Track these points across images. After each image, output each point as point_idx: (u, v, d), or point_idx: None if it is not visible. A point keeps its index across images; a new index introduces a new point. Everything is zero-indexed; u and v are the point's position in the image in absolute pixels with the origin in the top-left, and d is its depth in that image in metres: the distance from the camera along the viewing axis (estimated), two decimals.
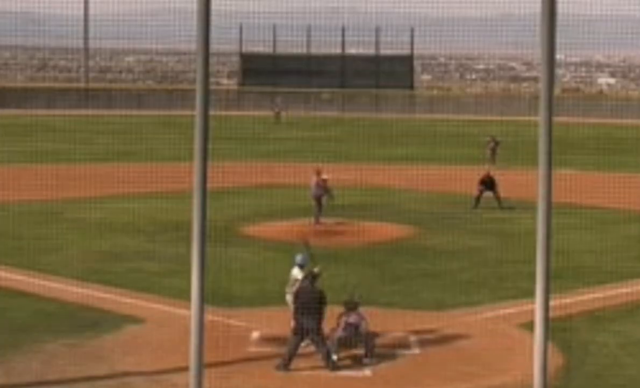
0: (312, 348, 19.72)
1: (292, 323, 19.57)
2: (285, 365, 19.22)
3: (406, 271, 28.30)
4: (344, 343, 20.00)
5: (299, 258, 20.94)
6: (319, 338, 19.42)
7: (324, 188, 35.78)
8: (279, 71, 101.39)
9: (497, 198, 40.04)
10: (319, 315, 19.36)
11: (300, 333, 19.40)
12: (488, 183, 40.45)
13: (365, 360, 19.89)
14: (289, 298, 20.76)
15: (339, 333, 19.96)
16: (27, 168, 49.64)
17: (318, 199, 35.63)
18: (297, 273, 20.76)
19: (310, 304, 19.35)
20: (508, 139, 56.71)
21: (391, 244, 32.53)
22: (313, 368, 19.39)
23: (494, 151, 55.98)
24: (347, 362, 19.78)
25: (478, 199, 40.09)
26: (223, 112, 68.95)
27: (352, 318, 20.06)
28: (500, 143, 56.45)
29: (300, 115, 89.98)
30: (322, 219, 35.44)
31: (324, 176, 36.13)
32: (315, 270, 20.06)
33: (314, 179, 35.91)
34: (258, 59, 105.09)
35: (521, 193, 36.35)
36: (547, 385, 11.52)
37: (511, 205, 39.25)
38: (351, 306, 20.24)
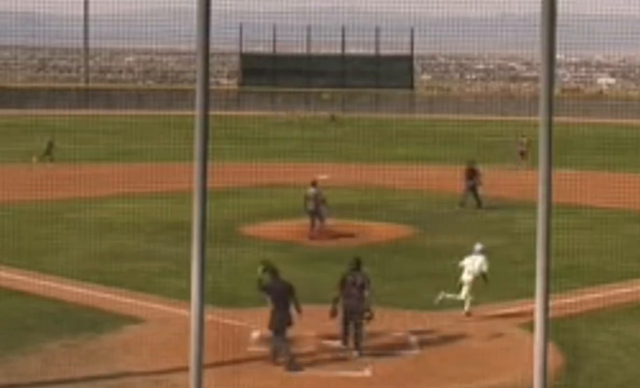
0: (310, 348, 19.75)
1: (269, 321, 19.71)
2: (295, 364, 19.26)
3: (406, 271, 28.28)
4: (350, 315, 20.18)
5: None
6: (284, 334, 19.58)
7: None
8: (279, 71, 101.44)
9: (476, 194, 39.84)
10: (289, 306, 19.63)
11: (278, 329, 19.53)
12: (472, 176, 40.23)
13: (354, 354, 20.06)
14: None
15: (343, 299, 20.21)
16: (28, 168, 49.65)
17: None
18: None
19: (282, 297, 19.52)
20: (508, 139, 56.71)
21: (391, 244, 32.52)
22: (313, 368, 19.40)
23: (523, 152, 54.70)
24: (347, 361, 19.80)
25: (466, 194, 40.01)
26: (223, 112, 68.94)
27: (359, 280, 20.31)
28: (532, 144, 54.92)
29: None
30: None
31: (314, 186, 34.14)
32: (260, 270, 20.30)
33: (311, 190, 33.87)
34: (258, 59, 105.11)
35: (518, 193, 36.31)
36: (547, 385, 11.51)
37: (492, 205, 39.21)
38: (355, 267, 20.49)
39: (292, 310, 19.62)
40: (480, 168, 41.22)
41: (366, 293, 20.32)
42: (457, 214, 38.51)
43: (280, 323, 19.41)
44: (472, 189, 40.35)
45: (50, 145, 53.85)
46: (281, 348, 19.46)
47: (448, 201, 41.25)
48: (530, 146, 54.19)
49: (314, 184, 34.11)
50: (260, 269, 20.04)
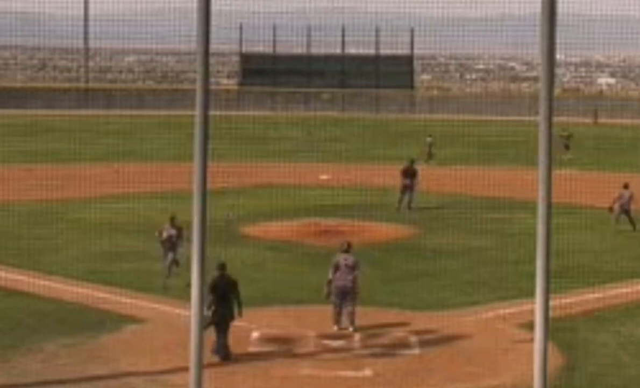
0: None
1: (209, 314, 19.54)
2: (227, 355, 19.70)
3: (406, 271, 28.29)
4: (344, 295, 21.54)
5: None
6: (227, 326, 19.85)
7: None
8: (279, 71, 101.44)
9: (411, 194, 39.62)
10: (232, 302, 19.95)
11: (218, 322, 19.65)
12: (409, 175, 40.01)
13: (350, 329, 21.38)
14: None
15: (337, 281, 21.53)
16: (27, 168, 49.64)
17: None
18: None
19: (227, 293, 19.80)
20: (508, 139, 56.71)
21: (391, 244, 32.52)
22: (313, 368, 19.41)
23: (567, 146, 55.97)
24: (347, 361, 19.80)
25: (403, 193, 39.73)
26: (223, 112, 68.91)
27: (350, 261, 21.76)
28: (572, 137, 58.44)
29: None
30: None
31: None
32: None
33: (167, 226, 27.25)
34: (258, 59, 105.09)
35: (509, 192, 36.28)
36: (547, 385, 11.50)
37: (427, 205, 39.18)
38: (345, 249, 22.02)
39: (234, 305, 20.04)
40: (419, 169, 41.04)
41: (357, 273, 21.77)
42: (454, 214, 38.45)
43: (222, 318, 19.66)
44: (408, 188, 39.98)
45: (431, 146, 56.71)
46: (219, 340, 19.63)
47: (448, 201, 41.26)
48: (572, 138, 57.96)
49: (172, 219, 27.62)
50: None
